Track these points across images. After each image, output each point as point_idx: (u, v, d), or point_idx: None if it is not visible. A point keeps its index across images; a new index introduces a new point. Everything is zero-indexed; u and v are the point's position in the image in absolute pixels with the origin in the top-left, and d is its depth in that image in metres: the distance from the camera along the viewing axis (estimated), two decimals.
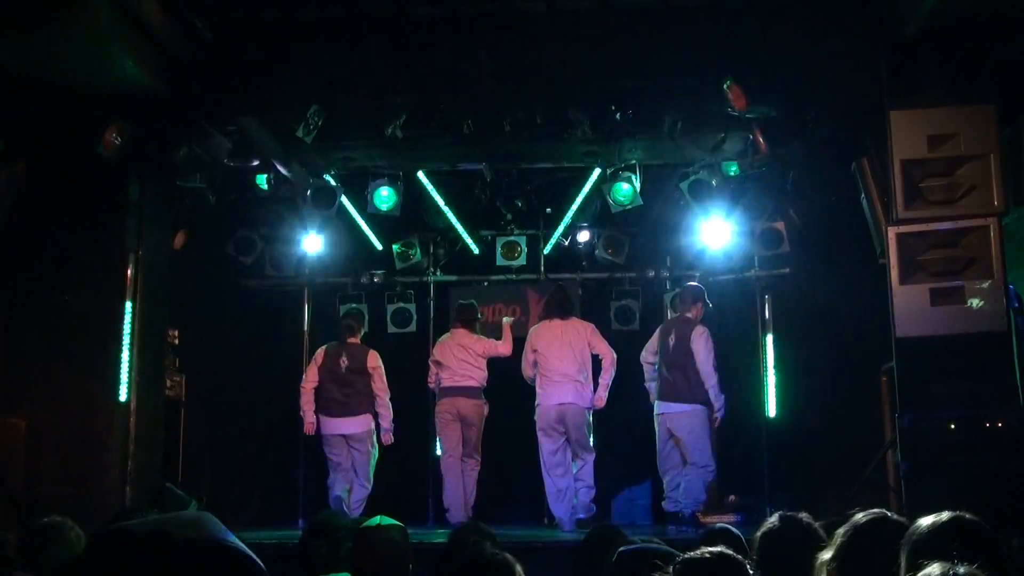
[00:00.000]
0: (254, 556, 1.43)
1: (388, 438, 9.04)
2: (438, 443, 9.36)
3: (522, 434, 10.03)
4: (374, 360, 9.14)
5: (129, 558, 1.37)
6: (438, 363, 9.23)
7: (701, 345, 8.54)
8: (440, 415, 9.14)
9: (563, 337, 8.87)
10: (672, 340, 8.69)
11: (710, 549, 2.62)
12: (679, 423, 8.53)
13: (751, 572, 2.60)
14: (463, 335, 9.31)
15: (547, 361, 8.80)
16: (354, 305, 10.28)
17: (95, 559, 1.40)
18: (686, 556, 2.59)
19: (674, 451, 8.63)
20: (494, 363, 9.33)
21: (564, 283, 10.45)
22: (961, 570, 2.07)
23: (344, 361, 9.11)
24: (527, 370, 8.98)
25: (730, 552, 2.64)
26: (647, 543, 3.31)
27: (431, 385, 9.37)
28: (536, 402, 8.87)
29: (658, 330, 8.97)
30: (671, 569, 2.58)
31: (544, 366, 8.82)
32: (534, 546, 6.84)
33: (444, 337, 9.46)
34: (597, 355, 8.93)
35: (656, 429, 8.72)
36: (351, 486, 8.98)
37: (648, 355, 8.96)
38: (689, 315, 8.82)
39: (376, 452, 9.06)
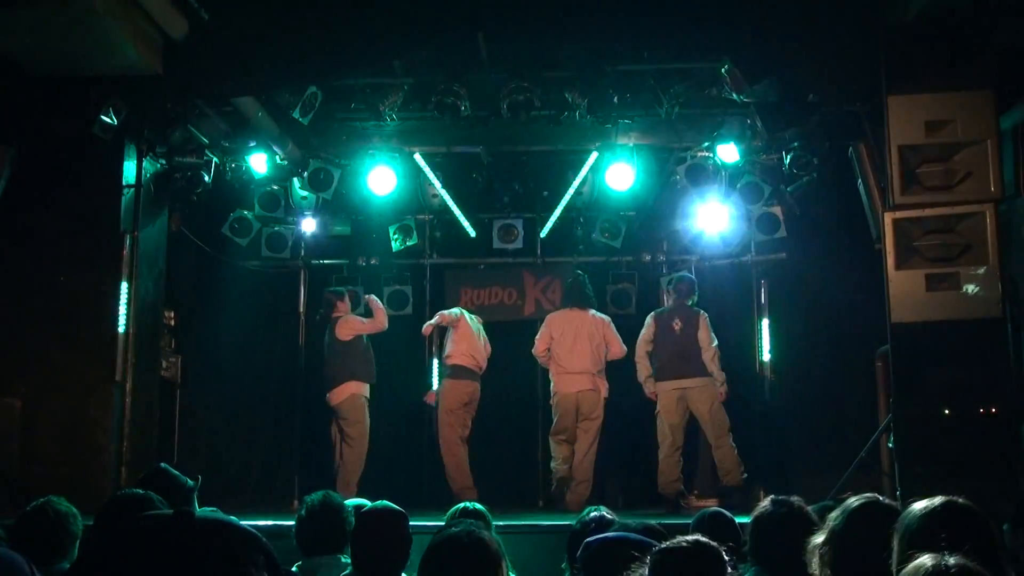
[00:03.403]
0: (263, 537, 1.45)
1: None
2: (446, 421, 9.36)
3: (516, 419, 10.06)
4: (344, 329, 9.28)
5: (154, 532, 1.39)
6: (462, 340, 9.41)
7: (708, 327, 8.85)
8: (458, 395, 9.30)
9: (582, 331, 9.09)
10: (678, 324, 8.85)
11: (686, 538, 2.63)
12: (702, 395, 8.71)
13: (727, 558, 2.61)
14: (478, 323, 9.62)
15: (567, 353, 9.02)
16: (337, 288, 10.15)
17: (120, 533, 1.41)
18: (663, 546, 2.59)
19: (684, 428, 8.73)
20: (493, 349, 9.61)
21: (561, 267, 10.54)
22: (951, 560, 2.08)
23: (326, 337, 9.35)
24: (540, 349, 9.15)
25: (706, 540, 2.64)
26: (640, 529, 3.30)
27: (431, 329, 9.64)
28: (553, 390, 9.08)
29: (652, 320, 9.00)
30: (648, 559, 2.58)
31: (562, 357, 9.02)
32: (530, 530, 6.85)
33: (470, 317, 9.62)
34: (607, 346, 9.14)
35: (666, 408, 8.72)
36: (340, 453, 9.14)
37: (645, 346, 8.98)
38: (688, 302, 8.96)
39: (366, 422, 9.14)
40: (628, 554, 2.71)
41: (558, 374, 9.06)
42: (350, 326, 9.29)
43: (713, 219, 9.80)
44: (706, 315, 8.93)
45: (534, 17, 7.01)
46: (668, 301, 9.14)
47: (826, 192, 9.06)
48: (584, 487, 8.85)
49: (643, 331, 9.02)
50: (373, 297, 9.64)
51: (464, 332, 9.44)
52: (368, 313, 9.52)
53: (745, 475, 8.53)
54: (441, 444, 9.24)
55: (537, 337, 9.22)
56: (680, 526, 4.37)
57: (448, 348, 9.49)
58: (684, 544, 2.58)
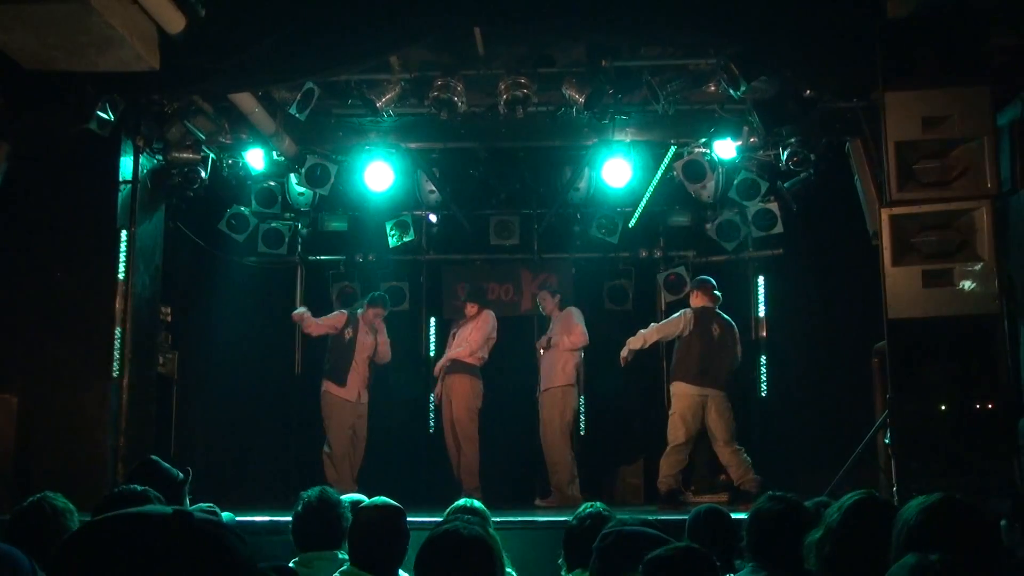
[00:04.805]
0: (232, 535, 1.42)
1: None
2: (472, 418, 9.46)
3: (514, 415, 10.06)
4: None
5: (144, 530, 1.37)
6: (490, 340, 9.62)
7: (740, 343, 9.12)
8: (480, 395, 9.46)
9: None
10: (717, 331, 8.89)
11: (677, 545, 2.63)
12: (722, 405, 8.76)
13: (717, 564, 2.62)
14: None
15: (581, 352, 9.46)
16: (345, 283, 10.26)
17: (109, 528, 1.39)
18: (652, 555, 2.59)
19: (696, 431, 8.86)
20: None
21: (558, 263, 10.59)
22: (934, 557, 2.08)
23: None
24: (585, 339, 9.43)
25: (695, 547, 2.65)
26: (638, 525, 3.30)
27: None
28: (569, 382, 9.36)
29: (693, 316, 8.94)
30: (639, 568, 2.58)
31: (579, 356, 9.42)
32: (527, 526, 6.86)
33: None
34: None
35: (684, 411, 8.73)
36: None
37: (664, 334, 9.04)
38: (715, 307, 9.04)
39: (338, 423, 9.24)
40: (642, 548, 2.71)
41: (577, 372, 9.46)
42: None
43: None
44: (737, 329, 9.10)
45: (530, 13, 7.00)
46: (698, 302, 9.02)
47: (823, 188, 9.07)
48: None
49: (681, 321, 8.93)
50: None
51: (492, 331, 9.53)
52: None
53: (759, 477, 8.51)
54: (465, 442, 9.28)
55: (582, 325, 9.42)
56: (676, 522, 4.38)
57: (474, 347, 9.48)
58: (674, 552, 2.58)
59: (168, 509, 1.36)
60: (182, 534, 1.33)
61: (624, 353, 8.94)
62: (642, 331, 8.99)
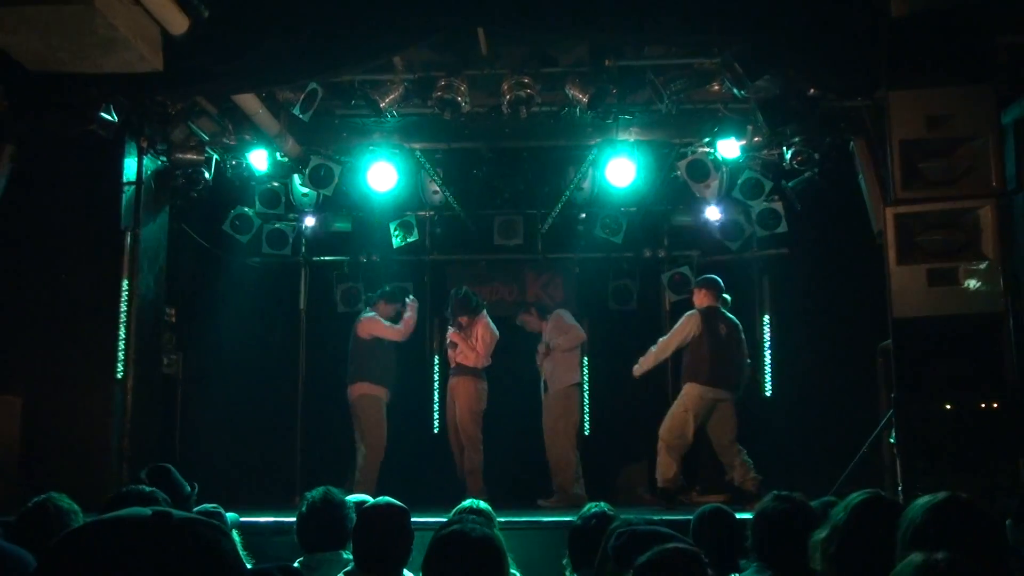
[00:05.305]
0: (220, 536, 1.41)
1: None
2: (475, 421, 9.45)
3: (518, 415, 10.06)
4: (364, 327, 9.38)
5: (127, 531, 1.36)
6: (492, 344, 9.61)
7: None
8: (484, 398, 9.45)
9: None
10: (724, 329, 8.86)
11: (664, 547, 2.62)
12: (732, 409, 8.76)
13: (706, 560, 2.61)
14: None
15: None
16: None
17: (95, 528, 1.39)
18: (641, 559, 2.58)
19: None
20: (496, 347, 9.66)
21: (562, 263, 10.59)
22: (941, 555, 2.08)
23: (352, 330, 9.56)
24: (583, 335, 9.63)
25: (684, 546, 2.64)
26: (647, 525, 3.29)
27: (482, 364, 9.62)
28: (575, 382, 9.48)
29: (700, 317, 8.85)
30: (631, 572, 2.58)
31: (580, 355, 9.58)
32: (532, 526, 6.86)
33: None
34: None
35: (697, 411, 8.68)
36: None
37: (678, 344, 8.95)
38: (723, 306, 9.01)
39: (379, 425, 9.22)
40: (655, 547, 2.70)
41: (581, 367, 9.58)
42: (370, 326, 9.34)
43: (713, 214, 9.81)
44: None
45: (534, 12, 6.99)
46: (703, 302, 8.94)
47: (827, 187, 9.05)
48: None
49: (689, 324, 8.84)
50: (413, 303, 9.63)
51: (492, 334, 9.51)
52: (398, 319, 9.56)
53: (760, 477, 8.48)
54: (469, 445, 9.28)
55: (575, 322, 9.53)
56: (681, 522, 4.37)
57: (481, 356, 9.44)
58: (664, 553, 2.57)
59: (147, 511, 1.36)
60: (163, 534, 1.33)
61: (636, 371, 8.99)
62: (652, 349, 8.95)
